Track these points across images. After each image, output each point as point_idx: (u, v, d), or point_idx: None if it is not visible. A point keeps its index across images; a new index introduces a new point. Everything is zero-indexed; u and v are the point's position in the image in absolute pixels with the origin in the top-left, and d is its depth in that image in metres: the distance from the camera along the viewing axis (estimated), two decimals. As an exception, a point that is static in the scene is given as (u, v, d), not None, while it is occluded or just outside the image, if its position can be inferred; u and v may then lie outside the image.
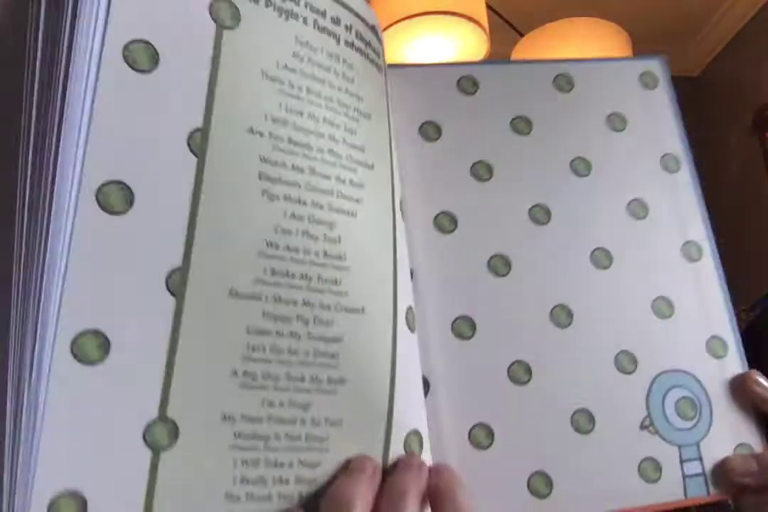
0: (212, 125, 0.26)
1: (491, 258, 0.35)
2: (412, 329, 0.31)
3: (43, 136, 0.24)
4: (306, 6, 0.30)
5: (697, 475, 0.34)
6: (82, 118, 0.24)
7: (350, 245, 0.28)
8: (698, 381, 0.35)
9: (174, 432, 0.25)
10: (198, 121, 0.26)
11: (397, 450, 0.28)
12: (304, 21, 0.30)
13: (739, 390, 0.35)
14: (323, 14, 0.30)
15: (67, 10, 0.24)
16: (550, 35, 1.19)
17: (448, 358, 0.33)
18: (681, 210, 0.38)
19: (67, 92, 0.24)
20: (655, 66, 0.40)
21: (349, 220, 0.29)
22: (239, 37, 0.27)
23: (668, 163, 0.38)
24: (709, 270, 0.37)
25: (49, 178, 0.24)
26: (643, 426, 0.34)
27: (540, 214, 0.36)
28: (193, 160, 0.26)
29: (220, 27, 0.27)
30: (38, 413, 0.23)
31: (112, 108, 0.25)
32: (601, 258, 0.36)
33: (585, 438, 0.33)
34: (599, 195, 0.37)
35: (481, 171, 0.36)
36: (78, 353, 0.23)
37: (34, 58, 0.25)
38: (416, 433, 0.30)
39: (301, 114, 0.28)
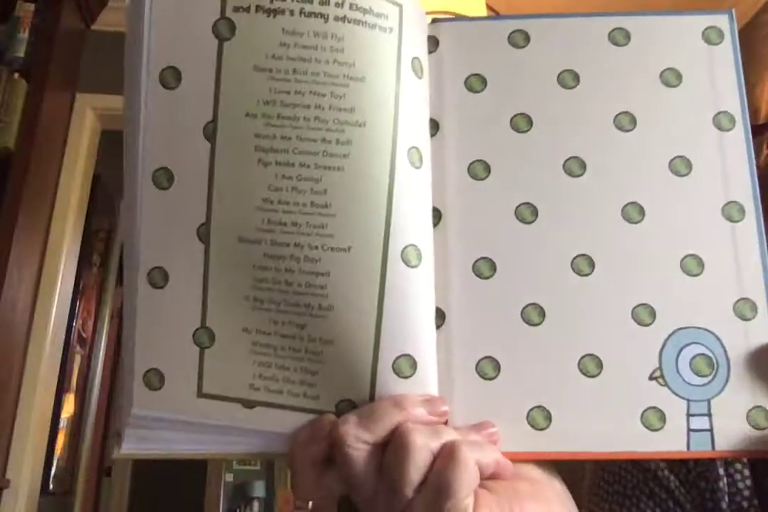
0: (219, 117, 0.35)
1: (519, 205, 0.37)
2: (411, 265, 0.34)
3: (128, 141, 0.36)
4: None
5: (703, 430, 0.34)
6: (137, 128, 0.35)
7: (336, 195, 0.34)
8: (719, 340, 0.35)
9: (212, 336, 0.34)
10: (209, 116, 0.35)
11: (385, 370, 0.34)
12: (291, 13, 0.35)
13: (764, 360, 0.35)
14: (310, 1, 0.35)
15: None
16: None
17: (465, 295, 0.36)
18: (728, 169, 0.37)
19: (128, 109, 0.35)
20: (722, 21, 0.38)
21: (335, 173, 0.34)
22: (235, 45, 0.35)
23: (722, 121, 0.37)
24: (749, 232, 0.36)
25: (127, 169, 0.36)
26: (652, 377, 0.35)
27: (575, 166, 0.37)
28: (208, 145, 0.35)
29: (221, 41, 0.35)
30: (134, 318, 0.35)
31: (155, 118, 0.35)
32: (633, 213, 0.36)
33: (590, 381, 0.35)
34: (641, 150, 0.37)
35: (521, 123, 0.38)
36: (151, 281, 0.35)
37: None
38: (407, 357, 0.34)
39: (288, 92, 0.35)
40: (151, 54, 0.35)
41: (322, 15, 0.35)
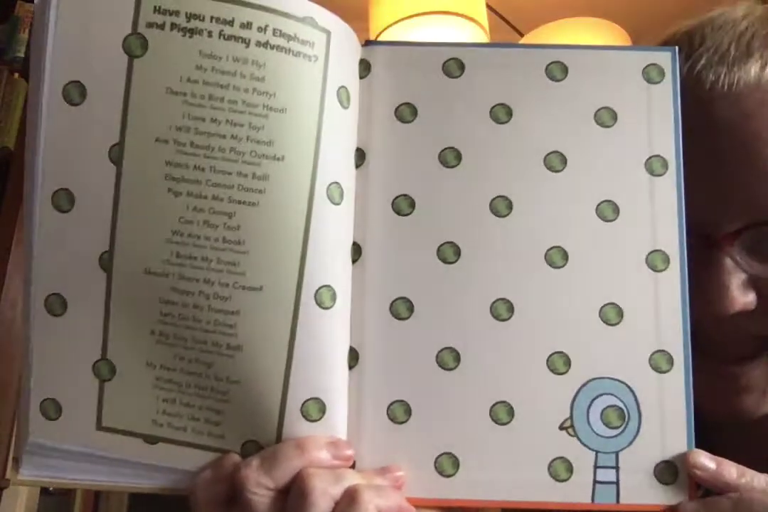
0: (126, 139, 0.33)
1: (442, 244, 0.36)
2: (325, 306, 0.33)
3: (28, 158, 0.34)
4: (212, 20, 0.33)
5: (609, 483, 0.34)
6: (38, 144, 0.33)
7: (250, 232, 0.33)
8: (633, 392, 0.35)
9: (112, 369, 0.33)
10: (116, 137, 0.33)
11: (292, 413, 0.33)
12: (209, 34, 0.33)
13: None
14: (230, 23, 0.33)
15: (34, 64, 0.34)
16: (550, 35, 1.13)
17: (381, 335, 0.35)
18: (656, 216, 0.36)
19: (30, 125, 0.34)
20: (664, 59, 0.37)
21: (250, 209, 0.33)
22: (147, 63, 0.33)
23: (654, 166, 0.36)
24: (672, 282, 0.35)
25: (26, 187, 0.34)
26: (562, 427, 0.34)
27: (501, 206, 0.36)
28: (113, 168, 0.33)
29: (131, 57, 0.33)
30: (29, 345, 0.34)
31: (56, 134, 0.33)
32: (556, 258, 0.36)
33: (500, 429, 0.34)
34: (568, 192, 0.36)
35: (449, 157, 0.36)
36: (48, 307, 0.34)
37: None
38: (316, 400, 0.33)
39: (203, 119, 0.33)
40: (54, 66, 0.33)
41: (242, 39, 0.33)
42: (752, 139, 0.38)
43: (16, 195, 1.47)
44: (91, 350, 0.34)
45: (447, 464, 0.34)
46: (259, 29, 0.33)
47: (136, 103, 0.33)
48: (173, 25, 0.33)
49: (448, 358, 0.35)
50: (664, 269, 0.35)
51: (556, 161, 0.36)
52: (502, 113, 0.37)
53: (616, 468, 0.34)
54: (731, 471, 0.33)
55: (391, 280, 0.36)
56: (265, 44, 0.33)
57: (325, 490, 0.31)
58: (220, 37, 0.33)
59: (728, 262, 0.38)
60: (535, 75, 0.37)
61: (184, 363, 0.33)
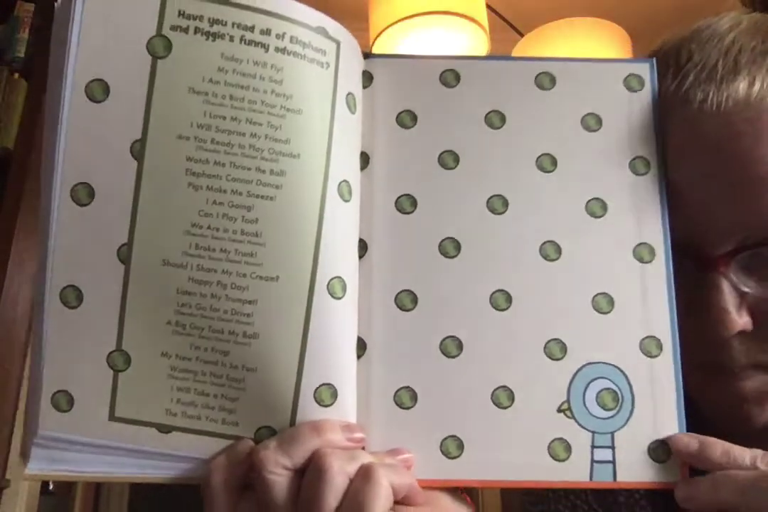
0: (148, 135, 0.35)
1: (443, 240, 0.38)
2: (336, 297, 0.35)
3: (47, 152, 0.35)
4: (234, 25, 0.35)
5: (606, 462, 0.36)
6: (57, 140, 0.35)
7: (267, 224, 0.34)
8: (625, 376, 0.37)
9: (127, 360, 0.34)
10: (138, 134, 0.35)
11: (306, 398, 0.35)
12: (231, 38, 0.35)
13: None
14: (251, 29, 0.35)
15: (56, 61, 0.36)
16: (550, 35, 1.15)
17: (387, 325, 0.37)
18: (641, 212, 0.38)
19: (50, 122, 0.35)
20: (644, 69, 0.40)
21: (267, 203, 0.35)
22: (170, 64, 0.35)
23: (637, 166, 0.39)
24: (658, 273, 0.38)
25: (44, 181, 0.35)
26: (560, 410, 0.36)
27: (497, 204, 0.39)
28: (134, 163, 0.35)
29: (155, 58, 0.35)
30: (42, 338, 0.34)
31: (77, 130, 0.35)
32: (550, 252, 0.38)
33: (502, 413, 0.36)
34: (560, 191, 0.39)
35: (448, 159, 0.39)
36: (64, 300, 0.35)
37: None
38: (328, 385, 0.35)
39: (224, 118, 0.35)
40: (77, 64, 0.35)
41: (262, 44, 0.35)
42: (742, 158, 0.37)
43: (16, 195, 1.45)
44: (106, 341, 0.34)
45: (452, 446, 0.36)
46: (278, 36, 0.35)
47: (159, 102, 0.35)
48: (197, 29, 0.35)
49: (451, 346, 0.37)
50: (651, 260, 0.38)
51: (547, 162, 0.39)
52: (496, 119, 0.40)
53: (612, 447, 0.36)
54: (714, 450, 0.34)
55: (395, 274, 0.38)
56: (283, 50, 0.35)
57: (341, 467, 0.32)
58: (241, 42, 0.35)
59: (725, 284, 0.38)
60: (525, 84, 0.40)
61: (200, 352, 0.34)
